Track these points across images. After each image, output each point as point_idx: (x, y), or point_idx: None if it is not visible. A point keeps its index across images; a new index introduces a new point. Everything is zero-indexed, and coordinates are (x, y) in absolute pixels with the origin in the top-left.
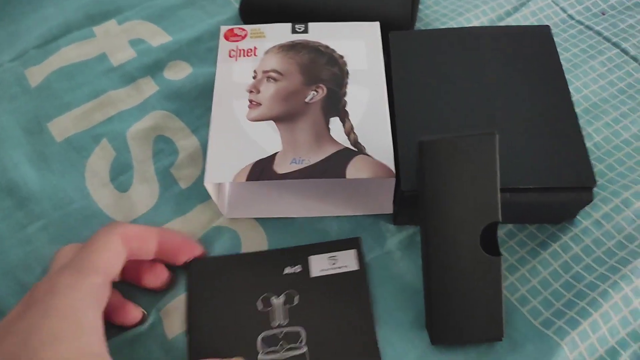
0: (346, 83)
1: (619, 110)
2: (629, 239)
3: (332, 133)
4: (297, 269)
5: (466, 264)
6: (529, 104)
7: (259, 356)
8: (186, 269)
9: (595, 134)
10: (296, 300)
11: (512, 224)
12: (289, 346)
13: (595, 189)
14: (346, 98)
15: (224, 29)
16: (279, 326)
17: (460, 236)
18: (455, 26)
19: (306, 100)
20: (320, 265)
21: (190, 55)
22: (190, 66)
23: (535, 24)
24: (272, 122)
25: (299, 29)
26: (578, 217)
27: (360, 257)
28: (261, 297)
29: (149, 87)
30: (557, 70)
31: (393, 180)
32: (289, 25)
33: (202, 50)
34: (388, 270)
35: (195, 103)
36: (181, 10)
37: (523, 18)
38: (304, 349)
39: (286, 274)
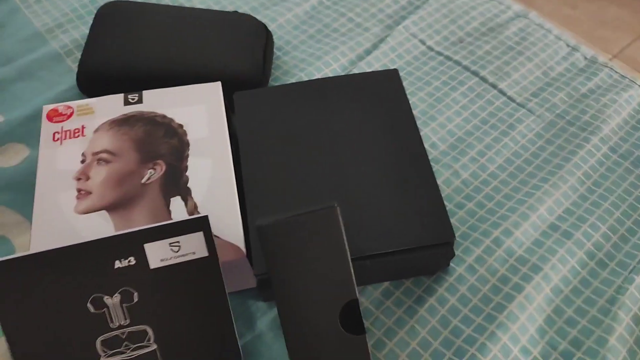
0: (187, 155)
1: (483, 141)
2: (503, 281)
3: (173, 215)
4: (130, 261)
5: (330, 348)
6: (382, 158)
7: (102, 359)
8: None
9: (462, 171)
10: (135, 297)
11: (387, 281)
12: (135, 345)
13: (466, 230)
14: (187, 173)
15: (46, 108)
16: (120, 327)
17: (318, 319)
18: (314, 71)
19: (143, 181)
20: (159, 254)
21: (26, 135)
22: (27, 148)
23: (396, 59)
24: (104, 212)
25: (132, 99)
26: (452, 264)
27: (209, 240)
28: (90, 299)
29: None
30: (407, 117)
31: (245, 261)
32: (121, 96)
33: (40, 128)
34: (261, 356)
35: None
36: (14, 84)
37: (383, 55)
38: (153, 347)
39: (118, 268)
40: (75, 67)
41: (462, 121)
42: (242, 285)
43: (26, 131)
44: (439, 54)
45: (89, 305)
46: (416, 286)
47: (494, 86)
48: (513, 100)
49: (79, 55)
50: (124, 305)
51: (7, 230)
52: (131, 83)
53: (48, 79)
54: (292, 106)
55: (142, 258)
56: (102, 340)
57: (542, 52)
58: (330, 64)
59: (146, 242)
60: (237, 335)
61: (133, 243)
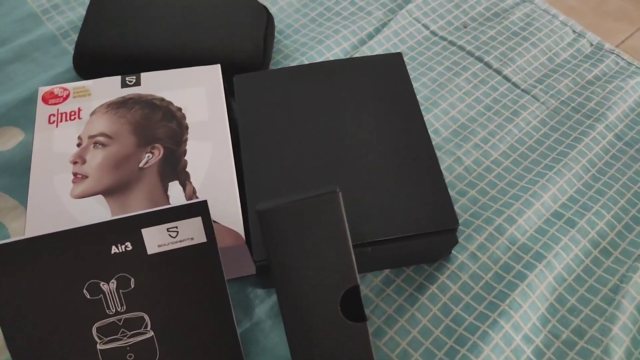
0: (186, 139)
1: (486, 128)
2: (505, 269)
3: (171, 200)
4: (127, 246)
5: (330, 335)
6: (385, 144)
7: (98, 346)
8: None
9: (465, 157)
10: (132, 284)
11: (387, 269)
12: (131, 332)
13: (468, 218)
14: (186, 157)
15: (42, 90)
16: (117, 313)
17: (318, 306)
18: (315, 55)
19: (140, 165)
20: (157, 239)
21: (21, 118)
22: (22, 132)
23: (399, 44)
24: (101, 196)
25: (130, 81)
26: (453, 251)
27: (208, 226)
28: (86, 285)
29: None
30: (411, 102)
31: (244, 247)
32: (118, 78)
33: (35, 112)
34: (258, 343)
35: (29, 176)
36: (9, 66)
37: (385, 39)
38: (150, 333)
39: (115, 253)
40: (71, 49)
41: (466, 107)
42: (240, 272)
43: (21, 114)
44: (443, 38)
45: (85, 291)
46: (417, 274)
47: (498, 72)
48: (518, 87)
49: (75, 36)
50: (121, 291)
51: (1, 215)
52: (128, 65)
53: (43, 60)
54: (293, 89)
55: (139, 243)
56: (98, 327)
57: (547, 37)
58: (332, 48)
59: (144, 227)
60: (235, 323)
61: (130, 228)
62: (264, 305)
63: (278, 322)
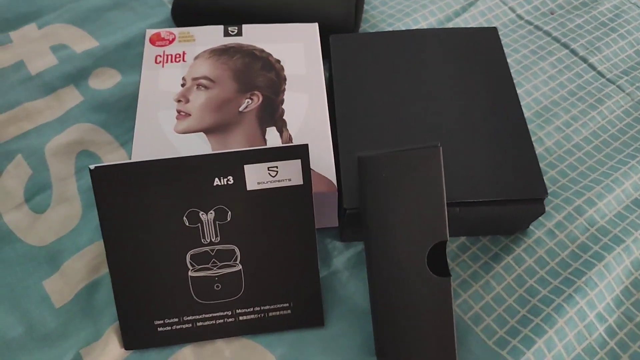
0: (283, 90)
1: (569, 113)
2: (582, 249)
3: (268, 144)
4: (229, 180)
5: (414, 287)
6: (477, 111)
7: (190, 273)
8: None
9: (546, 139)
10: (229, 217)
11: (464, 236)
12: (221, 264)
13: (547, 197)
14: (283, 106)
15: (149, 32)
16: (211, 243)
17: (406, 257)
18: (402, 27)
19: (240, 109)
20: (257, 176)
21: (119, 61)
22: (119, 74)
23: (484, 24)
24: (202, 134)
25: (232, 31)
26: (531, 226)
27: (306, 169)
28: (186, 213)
29: (71, 98)
30: (505, 75)
31: (335, 194)
32: (220, 27)
33: (132, 56)
34: (335, 292)
35: (124, 114)
36: (109, 12)
37: (472, 18)
38: (239, 267)
39: (217, 185)
40: (167, 1)
41: (549, 91)
42: (323, 223)
43: (119, 57)
44: (529, 23)
45: (184, 218)
46: (493, 244)
47: (584, 60)
48: (603, 76)
49: None
50: (217, 222)
51: (97, 147)
52: (225, 18)
53: (141, 10)
54: (387, 53)
55: (240, 178)
56: (192, 254)
57: (636, 31)
58: (419, 22)
59: (247, 164)
60: (319, 268)
61: (234, 163)
62: (342, 257)
63: (355, 273)
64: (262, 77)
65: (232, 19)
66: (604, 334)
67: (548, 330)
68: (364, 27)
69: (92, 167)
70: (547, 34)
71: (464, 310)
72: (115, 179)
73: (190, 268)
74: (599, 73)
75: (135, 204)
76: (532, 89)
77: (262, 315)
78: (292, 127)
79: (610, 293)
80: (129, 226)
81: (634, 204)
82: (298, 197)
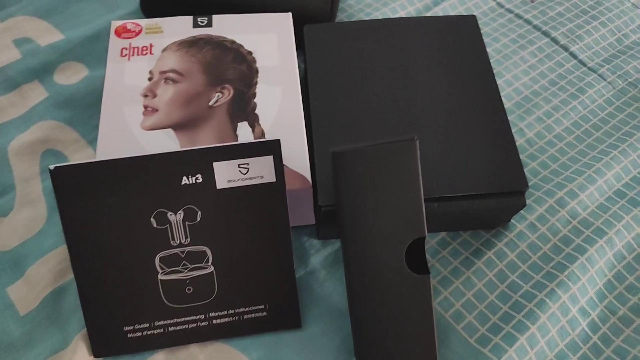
0: (255, 82)
1: (550, 103)
2: (564, 242)
3: (240, 140)
4: (198, 178)
5: (392, 285)
6: (456, 103)
7: (160, 276)
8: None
9: (527, 130)
10: (199, 217)
11: (444, 231)
12: (192, 266)
13: (528, 190)
14: (256, 100)
15: (115, 24)
16: (180, 245)
17: (384, 255)
18: (380, 17)
19: (210, 103)
20: (227, 174)
21: (86, 55)
22: (85, 68)
23: (463, 13)
24: (170, 130)
25: (202, 22)
26: (512, 220)
27: (278, 166)
28: (154, 214)
29: (35, 94)
30: (484, 65)
31: (310, 191)
32: (190, 18)
33: (100, 49)
34: (312, 292)
35: (91, 111)
36: (75, 4)
37: (451, 7)
38: (211, 269)
39: (185, 184)
40: None
41: (530, 80)
42: (300, 221)
43: (86, 51)
44: (509, 11)
45: (152, 219)
46: (474, 239)
47: (565, 48)
48: (584, 65)
49: None
50: (187, 223)
51: (63, 146)
52: (196, 9)
53: (109, 2)
54: (363, 42)
55: (209, 177)
56: (161, 257)
57: (617, 18)
58: (397, 11)
59: (216, 161)
60: (294, 268)
61: (203, 160)
62: (319, 255)
63: (332, 272)
64: (233, 69)
65: (203, 9)
66: (587, 328)
67: (530, 326)
68: (341, 17)
69: (52, 167)
70: (528, 22)
71: (445, 307)
72: (78, 179)
73: (160, 271)
74: (580, 62)
75: (100, 206)
76: (512, 79)
77: (237, 318)
78: (265, 122)
79: (593, 287)
80: (94, 229)
81: (616, 195)
82: (271, 195)
